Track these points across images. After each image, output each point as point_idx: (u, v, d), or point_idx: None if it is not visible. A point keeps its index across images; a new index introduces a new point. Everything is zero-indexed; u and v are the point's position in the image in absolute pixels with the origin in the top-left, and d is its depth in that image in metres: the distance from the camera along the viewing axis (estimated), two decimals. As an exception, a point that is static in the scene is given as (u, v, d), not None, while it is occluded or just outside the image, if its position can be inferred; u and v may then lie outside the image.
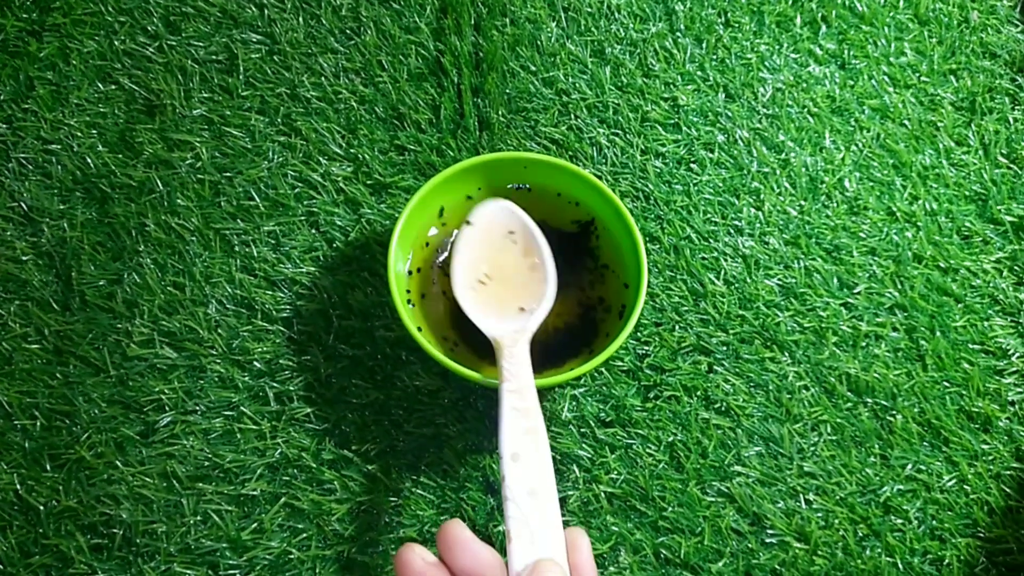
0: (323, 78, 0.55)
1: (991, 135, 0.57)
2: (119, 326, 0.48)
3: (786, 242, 0.53)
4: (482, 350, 0.46)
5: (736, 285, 0.51)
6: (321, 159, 0.53)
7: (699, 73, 0.57)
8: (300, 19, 0.56)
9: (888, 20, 0.60)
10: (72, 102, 0.53)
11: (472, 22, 0.57)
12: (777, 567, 0.45)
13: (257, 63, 0.55)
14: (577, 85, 0.56)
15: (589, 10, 0.58)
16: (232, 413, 0.47)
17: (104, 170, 0.51)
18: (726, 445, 0.48)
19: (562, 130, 0.55)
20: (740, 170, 0.54)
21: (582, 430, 0.48)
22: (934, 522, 0.47)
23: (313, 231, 0.51)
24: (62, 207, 0.50)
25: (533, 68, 0.56)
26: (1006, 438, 0.49)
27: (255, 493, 0.45)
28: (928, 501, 0.47)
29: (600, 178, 0.52)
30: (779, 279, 0.52)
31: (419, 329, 0.45)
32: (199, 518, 0.44)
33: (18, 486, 0.45)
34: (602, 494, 0.46)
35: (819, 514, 0.47)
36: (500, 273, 0.46)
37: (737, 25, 0.59)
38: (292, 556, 0.44)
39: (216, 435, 0.46)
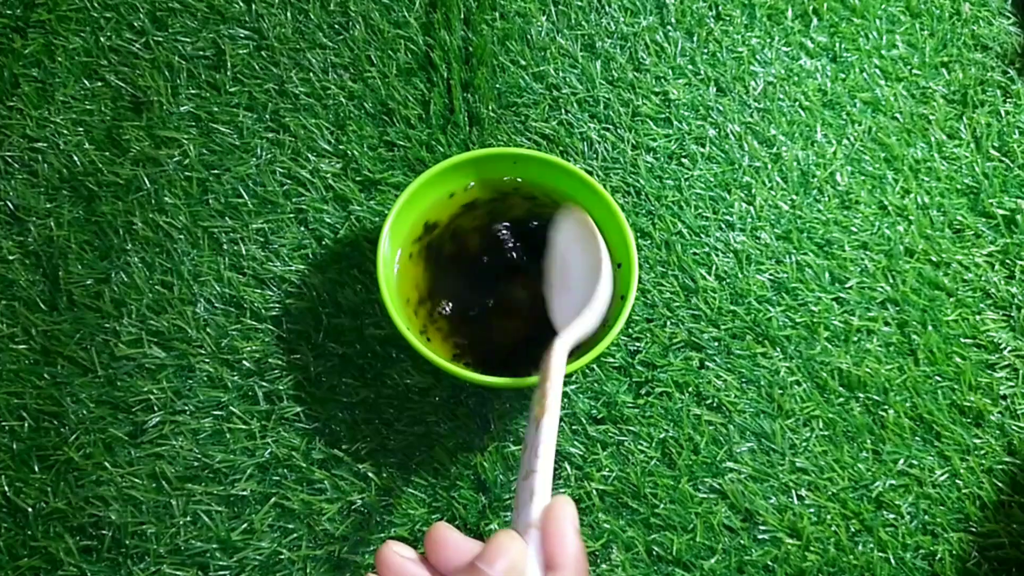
0: (311, 74, 0.54)
1: (983, 128, 0.57)
2: (107, 326, 0.47)
3: (778, 237, 0.53)
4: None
5: (727, 280, 0.51)
6: (310, 156, 0.52)
7: (690, 67, 0.57)
8: (288, 14, 0.55)
9: (879, 13, 0.60)
10: (58, 99, 0.52)
11: (462, 16, 0.57)
12: (769, 563, 0.45)
13: (245, 59, 0.54)
14: (567, 79, 0.56)
15: (579, 4, 0.58)
16: (221, 413, 0.46)
17: (91, 168, 0.51)
18: (718, 441, 0.48)
19: (552, 125, 0.54)
20: (731, 165, 0.54)
21: (573, 427, 0.47)
22: (926, 517, 0.47)
23: (302, 228, 0.51)
24: (49, 206, 0.50)
25: (523, 62, 0.56)
26: (998, 432, 0.49)
27: (245, 493, 0.45)
28: (920, 496, 0.47)
29: (591, 173, 0.52)
30: (771, 274, 0.52)
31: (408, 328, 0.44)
32: (189, 519, 0.44)
33: (6, 488, 0.44)
34: (594, 491, 0.46)
35: (811, 510, 0.47)
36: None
37: (728, 18, 0.59)
38: (283, 556, 0.44)
39: (205, 435, 0.46)
